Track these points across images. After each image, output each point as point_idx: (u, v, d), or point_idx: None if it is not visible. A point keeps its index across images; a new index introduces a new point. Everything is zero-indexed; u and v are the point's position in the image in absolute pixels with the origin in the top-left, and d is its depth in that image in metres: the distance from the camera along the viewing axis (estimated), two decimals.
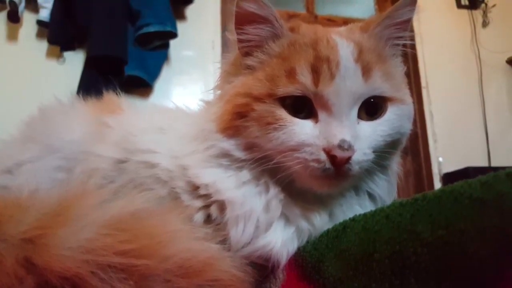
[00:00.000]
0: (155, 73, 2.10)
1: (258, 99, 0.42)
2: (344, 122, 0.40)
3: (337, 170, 0.39)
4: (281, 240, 0.42)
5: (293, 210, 0.43)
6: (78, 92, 1.92)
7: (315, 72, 0.40)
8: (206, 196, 0.43)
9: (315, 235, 0.43)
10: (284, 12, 2.60)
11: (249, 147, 0.43)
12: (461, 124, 2.59)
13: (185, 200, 0.43)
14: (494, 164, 2.49)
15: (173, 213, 0.39)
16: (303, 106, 0.41)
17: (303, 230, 0.43)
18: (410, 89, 0.50)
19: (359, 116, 0.42)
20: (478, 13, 2.71)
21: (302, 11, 2.68)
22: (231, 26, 0.45)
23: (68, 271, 0.29)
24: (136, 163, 0.45)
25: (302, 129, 0.41)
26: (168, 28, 2.00)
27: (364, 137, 0.41)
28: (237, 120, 0.43)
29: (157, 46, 2.07)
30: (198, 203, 0.43)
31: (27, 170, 0.49)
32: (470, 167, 2.23)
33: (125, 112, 0.55)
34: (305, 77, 0.40)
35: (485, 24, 2.69)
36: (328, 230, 0.42)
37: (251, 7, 0.43)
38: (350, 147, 0.38)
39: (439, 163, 2.48)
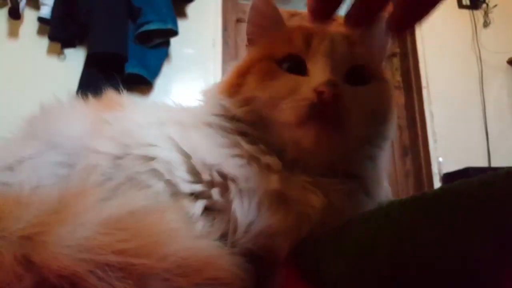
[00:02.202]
0: (155, 70, 2.10)
1: (259, 59, 0.48)
2: (331, 70, 0.43)
3: (324, 109, 0.40)
4: (284, 225, 0.41)
5: (292, 196, 0.43)
6: (78, 89, 1.92)
7: (308, 39, 0.46)
8: (209, 179, 0.43)
9: (315, 221, 0.43)
10: (285, 11, 2.60)
11: (245, 102, 0.46)
12: (462, 124, 2.59)
13: (184, 189, 0.43)
14: (494, 164, 2.49)
15: (172, 211, 0.39)
16: (298, 68, 0.45)
17: (303, 217, 0.43)
18: (411, 89, 0.50)
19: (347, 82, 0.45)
20: (479, 13, 2.71)
21: (303, 9, 2.67)
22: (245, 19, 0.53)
23: (66, 269, 0.29)
24: (134, 158, 0.45)
25: (295, 79, 0.44)
26: (169, 26, 2.01)
27: (350, 92, 0.43)
28: (239, 78, 0.48)
29: (157, 44, 2.07)
30: (199, 187, 0.43)
31: (28, 166, 0.49)
32: (470, 167, 2.23)
33: (125, 109, 0.55)
34: (299, 42, 0.46)
35: (486, 24, 2.69)
36: (327, 228, 0.42)
37: (260, 6, 0.51)
38: (336, 86, 0.40)
39: (439, 163, 2.49)
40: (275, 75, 0.45)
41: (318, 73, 0.43)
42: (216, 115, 0.48)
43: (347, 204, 0.44)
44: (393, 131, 0.50)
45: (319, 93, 0.40)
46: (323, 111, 0.40)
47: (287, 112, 0.42)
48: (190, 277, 0.32)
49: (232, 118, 0.47)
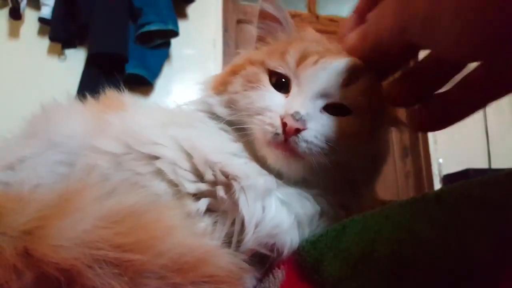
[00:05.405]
0: (156, 71, 2.11)
1: (253, 63, 0.48)
2: (306, 101, 0.42)
3: (286, 140, 0.41)
4: (286, 223, 0.42)
5: (288, 197, 0.43)
6: (79, 89, 1.92)
7: (302, 57, 0.44)
8: (212, 179, 0.43)
9: (311, 225, 0.43)
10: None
11: (228, 104, 0.48)
12: (462, 125, 2.56)
13: (188, 188, 0.43)
14: (494, 165, 2.49)
15: (172, 209, 0.39)
16: (285, 85, 0.45)
17: (300, 218, 0.43)
18: None
19: (325, 111, 0.43)
20: None
21: (303, 10, 2.68)
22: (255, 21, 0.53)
23: (64, 262, 0.29)
24: (138, 157, 0.45)
25: (272, 96, 0.45)
26: (170, 27, 2.01)
27: (321, 123, 0.42)
28: (230, 76, 0.49)
29: (158, 44, 2.07)
30: (203, 186, 0.43)
31: (29, 165, 0.49)
32: (470, 169, 2.23)
33: (127, 108, 0.55)
34: (291, 58, 0.45)
35: None
36: (327, 230, 0.42)
37: (268, 7, 0.51)
38: (301, 120, 0.41)
39: (439, 164, 2.48)
40: (258, 85, 0.45)
41: (293, 100, 0.43)
42: (202, 111, 0.50)
43: (339, 212, 0.44)
44: (379, 157, 0.48)
45: (283, 124, 0.41)
46: (285, 140, 0.41)
47: (257, 129, 0.44)
48: (186, 274, 0.31)
49: (216, 117, 0.48)
